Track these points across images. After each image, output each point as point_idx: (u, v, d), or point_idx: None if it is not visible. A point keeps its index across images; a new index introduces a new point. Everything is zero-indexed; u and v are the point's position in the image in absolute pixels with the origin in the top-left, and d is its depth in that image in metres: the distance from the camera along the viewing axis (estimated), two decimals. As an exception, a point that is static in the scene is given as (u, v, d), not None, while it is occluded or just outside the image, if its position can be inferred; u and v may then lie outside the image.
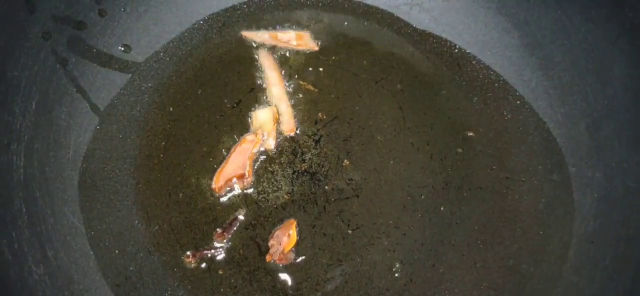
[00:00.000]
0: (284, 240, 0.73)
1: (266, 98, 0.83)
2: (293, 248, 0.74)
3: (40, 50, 0.76)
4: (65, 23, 0.79)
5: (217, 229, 0.74)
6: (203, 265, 0.73)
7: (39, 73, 0.75)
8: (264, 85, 0.84)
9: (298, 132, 0.81)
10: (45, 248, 0.70)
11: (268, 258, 0.72)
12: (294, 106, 0.83)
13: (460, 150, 0.81)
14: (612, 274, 0.70)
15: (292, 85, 0.85)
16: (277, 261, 0.72)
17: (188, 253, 0.73)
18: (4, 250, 0.65)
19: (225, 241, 0.74)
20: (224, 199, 0.77)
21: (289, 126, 0.82)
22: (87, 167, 0.78)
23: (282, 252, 0.73)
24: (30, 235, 0.69)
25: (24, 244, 0.68)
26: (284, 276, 0.72)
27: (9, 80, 0.72)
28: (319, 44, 0.88)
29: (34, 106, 0.74)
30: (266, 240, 0.74)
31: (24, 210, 0.70)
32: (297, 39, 0.88)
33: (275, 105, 0.82)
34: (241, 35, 0.89)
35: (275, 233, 0.74)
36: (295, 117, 0.82)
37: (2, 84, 0.71)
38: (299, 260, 0.73)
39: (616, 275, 0.70)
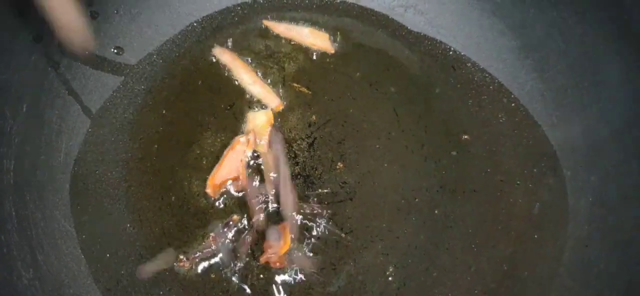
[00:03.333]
0: (278, 243, 0.73)
1: (254, 99, 0.83)
2: (287, 252, 0.73)
3: (32, 53, 0.75)
4: (57, 25, 0.79)
5: (210, 233, 0.74)
6: (196, 269, 0.72)
7: (30, 76, 0.74)
8: (236, 81, 0.84)
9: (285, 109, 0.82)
10: (35, 252, 0.69)
11: (262, 260, 0.72)
12: (288, 109, 0.83)
13: (454, 152, 0.81)
14: (607, 278, 0.69)
15: (286, 89, 0.84)
16: (271, 265, 0.72)
17: (180, 257, 0.73)
18: (-7, 254, 0.65)
19: (218, 244, 0.73)
20: (217, 202, 0.76)
21: (275, 102, 0.82)
22: (79, 170, 0.77)
23: (276, 255, 0.72)
24: (20, 239, 0.68)
25: (13, 248, 0.67)
26: (277, 280, 0.72)
27: (0, 83, 0.71)
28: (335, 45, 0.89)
29: (25, 109, 0.74)
30: (259, 244, 0.73)
31: (14, 213, 0.69)
32: (314, 38, 0.88)
33: (250, 89, 0.83)
34: (262, 23, 0.89)
35: (269, 237, 0.73)
36: (274, 91, 0.83)
37: (-8, 87, 0.71)
38: (292, 264, 0.73)
39: (611, 279, 0.69)
